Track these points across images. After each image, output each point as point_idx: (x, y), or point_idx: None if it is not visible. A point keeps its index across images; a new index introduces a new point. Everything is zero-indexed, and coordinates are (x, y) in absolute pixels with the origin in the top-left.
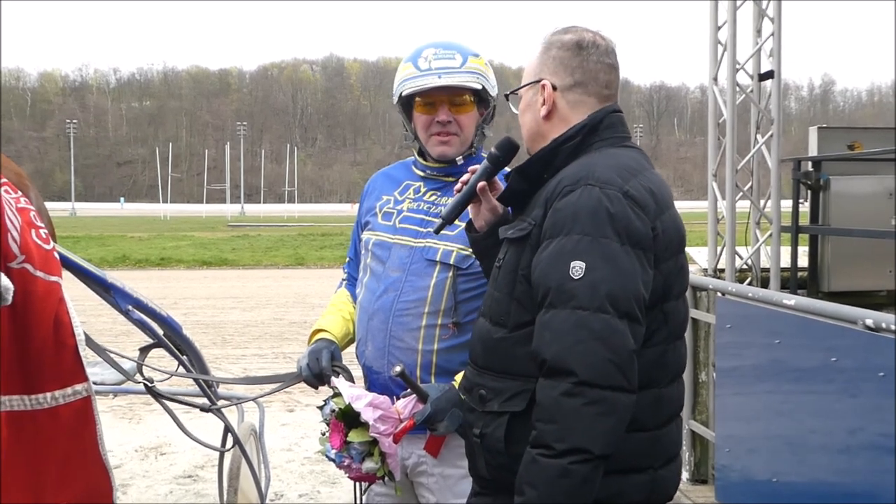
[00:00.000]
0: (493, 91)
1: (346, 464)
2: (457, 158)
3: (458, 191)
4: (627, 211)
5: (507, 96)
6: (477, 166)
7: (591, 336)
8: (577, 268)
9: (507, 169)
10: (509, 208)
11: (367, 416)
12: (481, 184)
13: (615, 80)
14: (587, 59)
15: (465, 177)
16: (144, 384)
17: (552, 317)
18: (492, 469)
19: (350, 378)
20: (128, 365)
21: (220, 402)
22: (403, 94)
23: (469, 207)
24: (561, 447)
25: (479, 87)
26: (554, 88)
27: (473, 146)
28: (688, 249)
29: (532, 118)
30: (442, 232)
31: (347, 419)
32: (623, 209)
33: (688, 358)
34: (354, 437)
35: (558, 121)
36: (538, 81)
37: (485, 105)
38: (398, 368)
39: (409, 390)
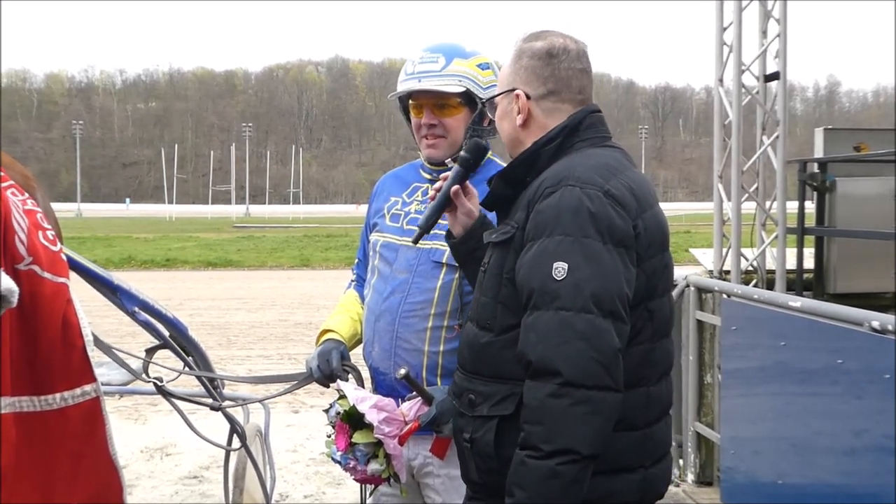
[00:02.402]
0: (485, 92)
1: (351, 465)
2: (446, 161)
3: (433, 198)
4: (608, 210)
5: (483, 104)
6: (448, 173)
7: (576, 336)
8: (560, 268)
9: (501, 163)
10: (486, 211)
11: (372, 417)
12: (454, 188)
13: (588, 84)
14: (558, 66)
15: (437, 184)
16: (154, 383)
17: (536, 318)
18: (482, 473)
19: (359, 378)
20: (135, 364)
21: (228, 403)
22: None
23: (447, 215)
24: (548, 448)
25: (462, 89)
26: (528, 97)
27: (462, 148)
28: (693, 251)
29: (509, 125)
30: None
31: (352, 421)
32: (604, 208)
33: (693, 360)
34: (359, 438)
35: (536, 128)
36: (512, 91)
37: (474, 106)
38: (403, 371)
39: (414, 392)
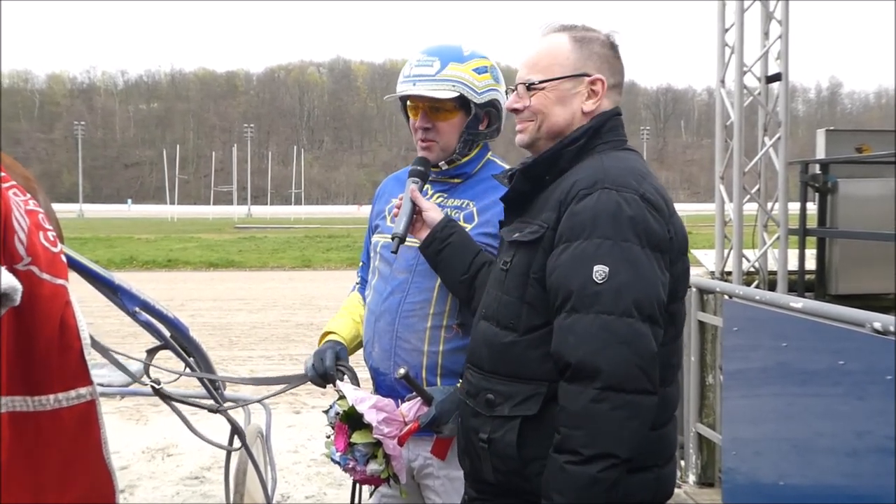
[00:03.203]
0: (480, 97)
1: (350, 466)
2: (440, 164)
3: (398, 208)
4: (646, 214)
5: (529, 86)
6: (414, 185)
7: (617, 340)
8: (601, 272)
9: (501, 164)
10: (446, 213)
11: (371, 417)
12: (413, 189)
13: None
14: (620, 60)
15: (396, 201)
16: (152, 386)
17: (575, 321)
18: (500, 474)
19: (355, 378)
20: (134, 367)
21: (227, 404)
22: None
23: (413, 225)
24: (589, 452)
25: (455, 95)
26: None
27: (456, 152)
28: (695, 252)
29: (567, 112)
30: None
31: (351, 421)
32: (641, 212)
33: (695, 361)
34: (358, 438)
35: (591, 118)
36: (583, 75)
37: (469, 110)
38: (402, 371)
39: (413, 393)
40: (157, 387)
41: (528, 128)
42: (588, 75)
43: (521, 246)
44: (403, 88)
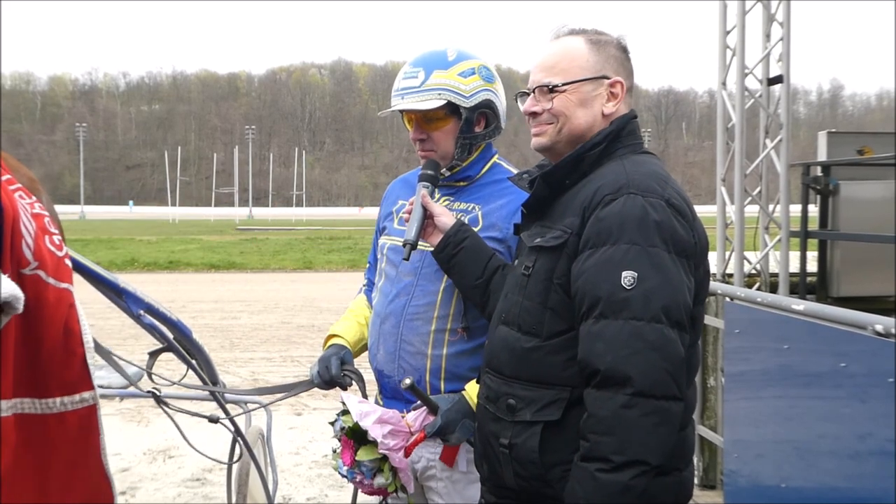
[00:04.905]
0: (469, 101)
1: (357, 480)
2: (443, 171)
3: (409, 212)
4: (672, 219)
5: (551, 89)
6: (424, 190)
7: (647, 346)
8: (629, 277)
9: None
10: (459, 216)
11: (375, 433)
12: (424, 194)
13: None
14: (631, 63)
15: (407, 206)
16: (152, 393)
17: (604, 327)
18: (521, 479)
19: (361, 381)
20: (133, 370)
21: (229, 407)
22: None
23: (425, 230)
24: (620, 459)
25: (442, 102)
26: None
27: (455, 157)
28: None
29: (589, 114)
30: None
31: (356, 436)
32: (668, 217)
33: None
34: (363, 455)
35: (610, 121)
36: (603, 77)
37: (461, 116)
38: (408, 381)
39: (419, 402)
40: (157, 394)
41: (548, 131)
42: (608, 77)
43: (544, 251)
44: (394, 103)
